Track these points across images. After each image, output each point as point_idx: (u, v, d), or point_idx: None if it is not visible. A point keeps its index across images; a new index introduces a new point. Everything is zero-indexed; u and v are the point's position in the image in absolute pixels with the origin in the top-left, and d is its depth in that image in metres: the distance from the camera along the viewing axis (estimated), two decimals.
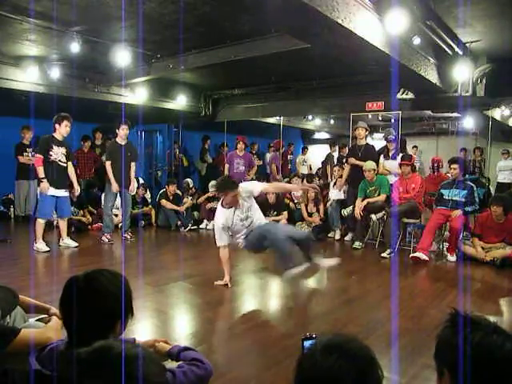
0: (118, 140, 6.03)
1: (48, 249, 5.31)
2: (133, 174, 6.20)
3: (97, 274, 1.39)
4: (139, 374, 0.83)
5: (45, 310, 1.98)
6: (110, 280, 1.38)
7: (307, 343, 1.11)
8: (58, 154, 5.39)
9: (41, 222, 5.35)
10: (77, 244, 5.60)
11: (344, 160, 7.07)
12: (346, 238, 6.47)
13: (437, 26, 4.63)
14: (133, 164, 6.17)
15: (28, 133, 7.45)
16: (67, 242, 5.59)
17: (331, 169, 8.51)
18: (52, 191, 5.33)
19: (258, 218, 4.15)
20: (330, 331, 2.85)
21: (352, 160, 6.31)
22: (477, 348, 0.97)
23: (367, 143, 6.59)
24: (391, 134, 6.45)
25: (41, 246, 5.31)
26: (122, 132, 5.96)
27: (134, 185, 6.22)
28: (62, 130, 5.38)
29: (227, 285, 3.97)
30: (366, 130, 6.51)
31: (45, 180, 5.26)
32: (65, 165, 5.50)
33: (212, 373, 1.56)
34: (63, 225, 5.59)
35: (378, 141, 10.72)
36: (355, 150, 6.44)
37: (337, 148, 9.90)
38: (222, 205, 4.04)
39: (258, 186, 4.15)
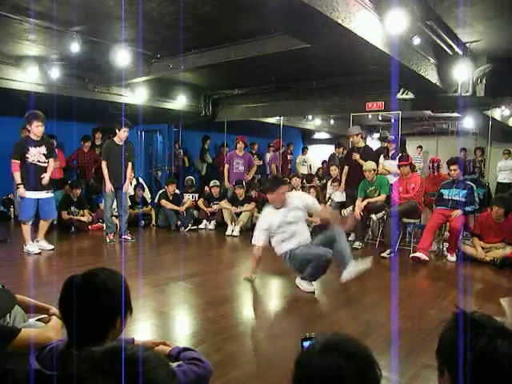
0: (116, 140, 6.02)
1: (39, 251, 5.21)
2: (129, 174, 6.16)
3: (96, 271, 1.40)
4: (152, 376, 0.84)
5: (45, 310, 1.98)
6: (109, 277, 1.39)
7: (306, 344, 1.11)
8: (35, 155, 5.15)
9: (24, 226, 5.21)
10: (52, 247, 5.41)
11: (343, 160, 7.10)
12: (350, 238, 6.47)
13: (437, 26, 4.64)
14: (130, 164, 6.13)
15: (28, 131, 7.43)
16: (41, 243, 5.39)
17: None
18: (32, 194, 5.15)
19: (302, 234, 4.07)
20: (330, 331, 2.85)
21: (356, 156, 6.30)
22: (480, 354, 0.95)
23: (366, 145, 6.62)
24: (388, 136, 6.48)
25: (31, 248, 5.21)
26: (123, 134, 5.95)
27: (128, 184, 6.16)
28: (34, 130, 5.11)
29: (251, 278, 4.21)
30: (359, 133, 6.52)
31: (21, 186, 5.08)
32: (45, 164, 5.24)
33: (212, 372, 1.56)
34: (43, 226, 5.40)
35: (378, 141, 10.74)
36: (354, 151, 6.46)
37: (341, 150, 9.80)
38: (271, 206, 4.12)
39: (313, 201, 4.34)
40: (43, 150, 5.22)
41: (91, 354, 0.87)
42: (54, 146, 5.50)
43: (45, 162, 5.24)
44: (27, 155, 5.11)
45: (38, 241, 5.40)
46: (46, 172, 5.24)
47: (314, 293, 3.86)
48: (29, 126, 5.15)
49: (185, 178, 8.30)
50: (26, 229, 5.22)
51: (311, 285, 3.90)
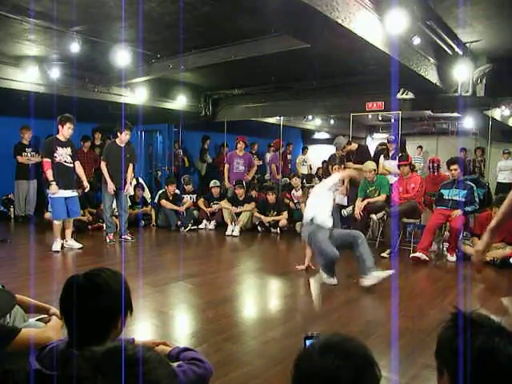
0: (118, 142, 6.04)
1: (59, 249, 5.36)
2: (130, 176, 6.20)
3: (96, 271, 1.40)
4: (152, 377, 0.84)
5: (45, 310, 1.98)
6: (110, 277, 1.39)
7: (309, 342, 1.11)
8: (62, 154, 5.40)
9: (56, 224, 5.40)
10: (81, 245, 5.59)
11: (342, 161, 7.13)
12: None
13: (437, 26, 4.64)
14: (131, 165, 6.17)
15: (27, 133, 7.45)
16: (71, 243, 5.58)
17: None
18: (60, 192, 5.35)
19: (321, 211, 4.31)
20: (330, 331, 2.86)
21: (350, 164, 6.35)
22: (477, 353, 0.96)
23: (359, 145, 6.67)
24: (389, 136, 6.53)
25: (55, 245, 5.36)
26: (125, 137, 5.98)
27: (128, 186, 6.21)
28: (65, 131, 5.37)
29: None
30: (348, 141, 6.70)
31: (53, 182, 5.27)
32: (71, 165, 5.50)
33: (212, 372, 1.55)
34: (69, 225, 5.58)
35: (378, 141, 10.73)
36: (348, 156, 6.51)
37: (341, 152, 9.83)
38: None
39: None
40: (69, 151, 5.48)
41: (92, 354, 0.87)
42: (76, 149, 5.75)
43: (70, 163, 5.49)
44: (55, 154, 5.34)
45: (66, 241, 5.57)
46: (73, 172, 5.54)
47: (335, 285, 4.07)
48: (60, 127, 5.38)
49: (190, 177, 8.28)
50: (57, 227, 5.42)
51: (330, 277, 4.07)
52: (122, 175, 5.97)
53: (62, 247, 5.49)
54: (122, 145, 6.00)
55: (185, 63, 6.32)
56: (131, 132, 6.14)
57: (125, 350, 0.86)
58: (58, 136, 5.42)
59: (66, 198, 5.42)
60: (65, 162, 5.43)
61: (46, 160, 5.31)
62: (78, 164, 5.62)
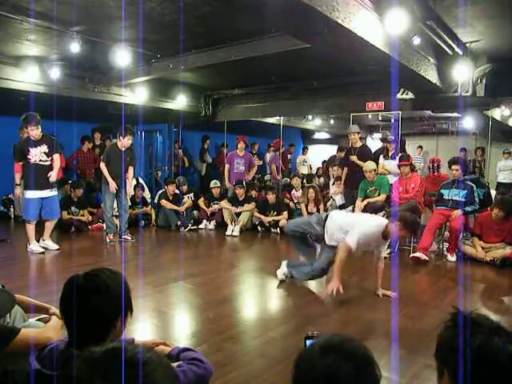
0: (119, 145, 6.01)
1: (42, 250, 5.25)
2: (130, 178, 6.18)
3: (97, 272, 1.40)
4: (151, 378, 0.83)
5: (44, 310, 1.98)
6: (110, 277, 1.39)
7: (310, 342, 1.11)
8: (36, 154, 5.18)
9: (28, 225, 5.25)
10: (57, 247, 5.42)
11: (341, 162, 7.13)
12: None
13: (437, 26, 4.63)
14: (131, 168, 6.15)
15: (26, 133, 7.42)
16: (47, 243, 5.42)
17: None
18: (36, 193, 5.20)
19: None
20: (330, 331, 2.85)
21: (353, 158, 6.33)
22: (477, 352, 0.96)
23: (362, 144, 6.65)
24: (389, 136, 6.50)
25: (34, 247, 5.24)
26: (127, 142, 5.96)
27: (129, 188, 6.19)
28: (31, 133, 5.13)
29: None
30: (358, 133, 6.59)
31: (18, 186, 5.28)
32: (47, 163, 5.25)
33: (212, 372, 1.55)
34: (49, 225, 5.44)
35: (377, 141, 10.74)
36: (351, 153, 6.49)
37: (342, 154, 9.77)
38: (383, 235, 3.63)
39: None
40: (44, 148, 5.23)
41: (90, 354, 0.86)
42: (56, 141, 5.47)
43: (46, 161, 5.26)
44: (28, 156, 5.16)
45: (44, 240, 5.43)
46: (51, 170, 5.26)
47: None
48: (26, 129, 5.29)
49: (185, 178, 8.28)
50: (30, 228, 5.28)
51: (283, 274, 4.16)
52: (123, 176, 5.97)
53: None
54: (123, 149, 5.98)
55: (185, 63, 6.32)
56: (133, 137, 6.11)
57: (124, 352, 0.85)
58: (29, 136, 5.19)
59: (42, 199, 5.26)
60: (40, 161, 5.19)
61: (16, 163, 5.27)
62: (56, 156, 5.32)
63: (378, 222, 3.70)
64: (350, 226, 3.63)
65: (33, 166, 5.16)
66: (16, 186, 5.27)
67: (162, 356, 0.93)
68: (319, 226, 3.92)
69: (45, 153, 5.24)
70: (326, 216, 3.95)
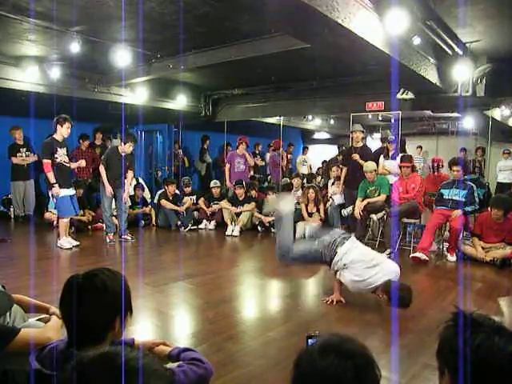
0: (120, 149, 6.02)
1: (70, 246, 5.44)
2: (129, 182, 6.21)
3: (96, 271, 1.40)
4: None
5: (44, 310, 1.98)
6: (110, 277, 1.38)
7: (311, 341, 1.11)
8: (62, 155, 5.42)
9: (64, 221, 5.48)
10: (78, 243, 5.61)
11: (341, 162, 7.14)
12: None
13: (437, 26, 4.63)
14: (130, 172, 6.17)
15: (17, 132, 7.39)
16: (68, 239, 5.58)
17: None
18: (64, 191, 5.39)
19: None
20: (330, 331, 2.85)
21: (356, 156, 6.32)
22: (477, 351, 0.96)
23: (364, 144, 6.65)
24: (389, 136, 6.49)
25: (64, 242, 5.43)
26: (128, 149, 5.98)
27: (127, 191, 6.22)
28: (64, 131, 5.38)
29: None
30: (362, 132, 6.58)
31: (56, 185, 5.30)
32: (68, 164, 5.55)
33: (212, 372, 1.55)
34: (66, 222, 5.60)
35: (378, 141, 10.73)
36: (352, 151, 6.49)
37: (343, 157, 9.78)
38: None
39: None
40: (65, 151, 5.50)
41: (80, 360, 0.83)
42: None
43: (67, 163, 5.53)
44: (56, 155, 5.35)
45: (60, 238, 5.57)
46: (69, 172, 5.60)
47: None
48: (59, 127, 5.37)
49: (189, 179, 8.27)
50: (65, 224, 5.51)
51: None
52: (122, 177, 5.99)
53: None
54: (124, 154, 6.00)
55: (185, 63, 6.32)
56: (135, 144, 6.14)
57: (115, 358, 0.81)
58: (55, 136, 5.40)
59: (70, 196, 5.49)
60: (64, 161, 5.45)
61: (47, 161, 5.29)
62: (73, 164, 5.70)
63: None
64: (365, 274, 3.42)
65: (60, 166, 5.39)
66: (54, 185, 5.28)
67: (158, 362, 0.88)
68: (330, 250, 3.59)
69: (66, 155, 5.50)
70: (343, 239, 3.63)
